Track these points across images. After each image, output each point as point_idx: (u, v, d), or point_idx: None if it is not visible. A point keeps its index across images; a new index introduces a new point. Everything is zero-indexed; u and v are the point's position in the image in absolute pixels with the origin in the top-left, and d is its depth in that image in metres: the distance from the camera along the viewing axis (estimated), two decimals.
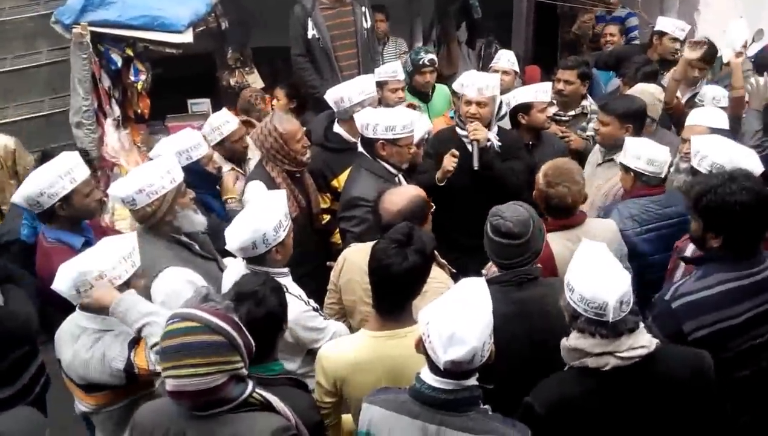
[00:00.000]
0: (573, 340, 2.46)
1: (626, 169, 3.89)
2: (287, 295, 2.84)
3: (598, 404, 2.44)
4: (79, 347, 2.85)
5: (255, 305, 2.56)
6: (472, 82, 4.45)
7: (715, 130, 4.08)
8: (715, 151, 3.48)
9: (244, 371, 2.26)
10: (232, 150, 4.70)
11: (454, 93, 5.34)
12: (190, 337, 2.14)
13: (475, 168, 4.30)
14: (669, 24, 6.30)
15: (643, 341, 2.42)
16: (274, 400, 2.30)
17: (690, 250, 3.24)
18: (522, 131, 4.84)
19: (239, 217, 3.16)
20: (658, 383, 2.44)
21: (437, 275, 3.22)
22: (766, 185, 2.93)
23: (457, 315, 2.22)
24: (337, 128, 4.62)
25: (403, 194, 3.40)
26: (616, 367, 2.38)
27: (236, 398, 2.22)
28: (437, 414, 2.27)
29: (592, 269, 2.41)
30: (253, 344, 2.30)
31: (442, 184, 4.34)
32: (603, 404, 2.44)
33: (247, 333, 2.27)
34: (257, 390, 2.27)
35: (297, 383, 2.75)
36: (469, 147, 4.37)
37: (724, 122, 4.26)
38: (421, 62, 5.63)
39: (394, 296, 2.73)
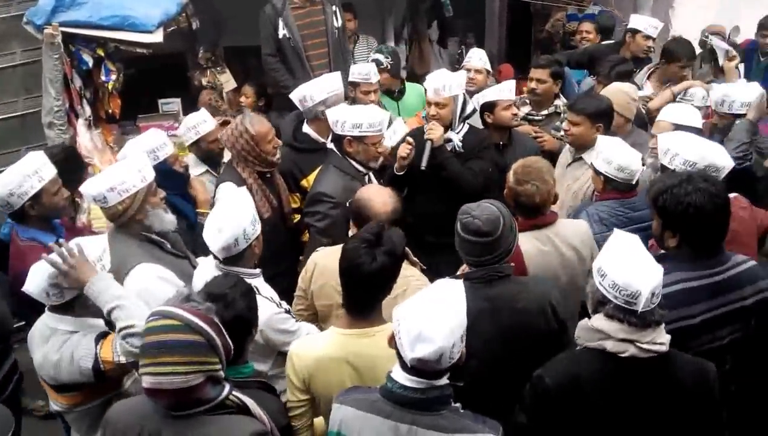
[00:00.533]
0: (598, 321, 2.46)
1: (596, 171, 3.87)
2: (258, 296, 2.85)
3: (607, 388, 2.45)
4: (48, 348, 2.86)
5: (224, 308, 2.53)
6: (430, 83, 4.47)
7: (679, 127, 4.11)
8: (686, 148, 3.51)
9: (222, 373, 2.26)
10: (207, 151, 4.69)
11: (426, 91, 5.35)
12: (170, 335, 2.14)
13: (422, 167, 4.30)
14: (642, 22, 6.36)
15: (663, 339, 2.44)
16: (250, 403, 2.30)
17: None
18: (492, 131, 4.82)
19: (213, 218, 3.16)
20: (667, 382, 2.47)
21: (415, 274, 3.26)
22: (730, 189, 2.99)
23: (428, 314, 2.23)
24: (306, 128, 4.62)
25: (387, 194, 3.42)
26: (633, 356, 2.40)
27: (212, 400, 2.21)
28: (409, 413, 2.28)
29: (627, 258, 2.42)
30: (231, 346, 2.30)
31: (400, 173, 4.37)
32: (612, 388, 2.45)
33: (226, 335, 2.27)
34: (234, 393, 2.27)
35: (266, 386, 2.76)
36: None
37: (693, 120, 4.26)
38: (379, 60, 5.68)
39: (363, 296, 2.74)
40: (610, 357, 2.42)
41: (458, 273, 3.19)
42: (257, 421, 2.29)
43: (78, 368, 2.80)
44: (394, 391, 2.30)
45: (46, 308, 2.92)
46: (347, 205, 3.54)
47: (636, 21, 6.38)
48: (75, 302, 2.89)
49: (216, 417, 2.22)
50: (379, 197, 3.37)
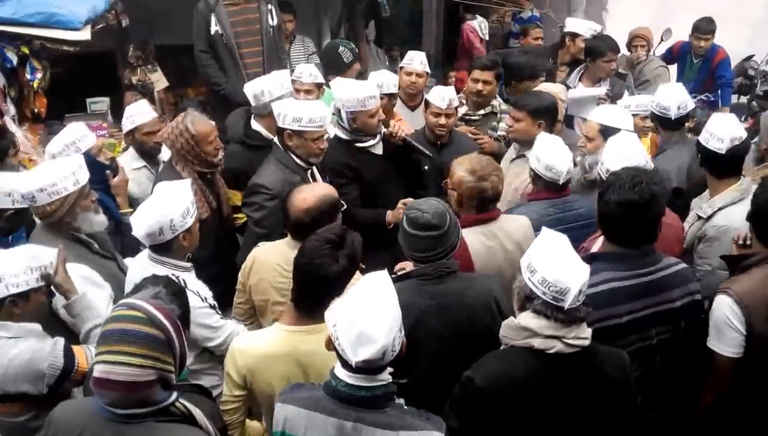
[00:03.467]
0: (525, 319, 2.50)
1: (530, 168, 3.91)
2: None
3: (536, 384, 2.50)
4: None
5: None
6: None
7: (607, 129, 4.15)
8: (609, 160, 3.60)
9: (173, 378, 2.22)
10: (141, 143, 4.60)
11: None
12: (131, 325, 2.12)
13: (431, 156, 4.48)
14: (581, 25, 6.52)
15: (586, 333, 2.49)
16: (197, 413, 2.26)
17: (596, 247, 3.25)
18: (429, 131, 4.79)
19: (145, 204, 3.17)
20: (591, 374, 2.53)
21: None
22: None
23: (364, 314, 2.21)
24: (255, 125, 4.58)
25: (314, 192, 3.40)
26: (559, 352, 2.44)
27: (158, 403, 2.16)
28: (353, 411, 2.28)
29: (556, 255, 2.47)
30: (187, 354, 2.28)
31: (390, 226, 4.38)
32: (541, 384, 2.50)
33: (184, 341, 2.25)
34: (180, 401, 2.22)
35: (203, 390, 2.73)
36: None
37: (622, 122, 4.25)
38: (348, 53, 5.74)
39: (318, 295, 2.71)
40: (538, 354, 2.47)
41: (397, 271, 3.21)
42: (202, 431, 2.25)
43: (35, 371, 2.74)
44: (339, 389, 2.29)
45: None
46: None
47: (574, 25, 6.55)
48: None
49: (161, 424, 2.17)
50: (301, 194, 3.37)
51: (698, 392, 3.13)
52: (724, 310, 3.00)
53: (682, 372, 3.04)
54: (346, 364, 2.26)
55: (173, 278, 2.80)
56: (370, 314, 2.21)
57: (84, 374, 2.76)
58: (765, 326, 2.97)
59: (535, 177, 3.84)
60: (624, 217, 2.88)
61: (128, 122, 4.59)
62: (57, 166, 3.41)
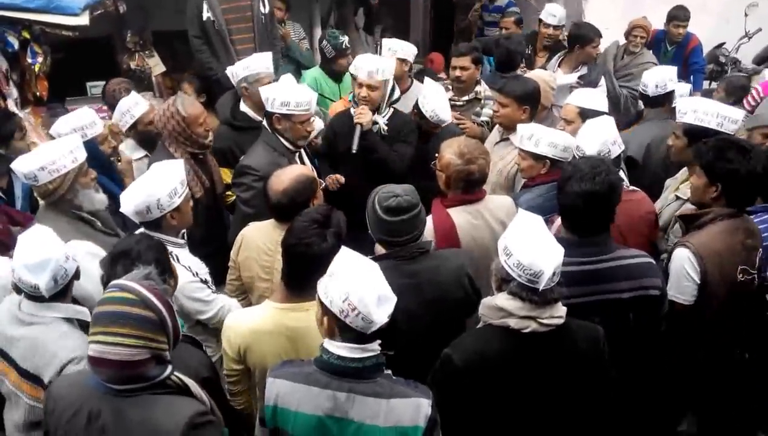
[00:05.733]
0: (501, 300, 2.56)
1: (537, 157, 3.85)
2: (176, 264, 2.93)
3: (512, 362, 2.57)
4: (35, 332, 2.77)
5: (130, 264, 2.58)
6: (363, 65, 4.52)
7: (586, 111, 4.28)
8: (585, 143, 3.71)
9: (167, 354, 2.26)
10: (145, 134, 4.64)
11: (352, 76, 5.41)
12: (124, 307, 2.16)
13: (353, 151, 4.42)
14: (544, 11, 6.68)
15: (560, 312, 2.56)
16: (191, 384, 2.30)
17: (554, 228, 3.24)
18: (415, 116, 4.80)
19: (135, 183, 3.26)
20: (565, 351, 2.61)
21: None
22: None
23: (369, 279, 2.27)
24: (244, 107, 4.69)
25: (289, 174, 3.45)
26: (534, 331, 2.52)
27: (154, 378, 2.21)
28: (346, 383, 2.31)
29: (531, 238, 2.51)
30: (180, 330, 2.32)
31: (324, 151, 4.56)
32: (517, 362, 2.57)
33: (176, 318, 2.28)
34: (175, 374, 2.27)
35: (191, 340, 2.82)
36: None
37: (598, 104, 4.39)
38: (343, 45, 5.75)
39: (307, 273, 2.71)
40: (513, 333, 2.54)
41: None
42: (197, 401, 2.30)
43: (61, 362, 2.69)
44: (331, 362, 2.32)
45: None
46: None
47: (543, 11, 6.71)
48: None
49: (157, 396, 2.22)
50: (278, 177, 3.42)
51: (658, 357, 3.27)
52: (683, 262, 3.19)
53: (627, 364, 3.08)
54: (345, 336, 2.30)
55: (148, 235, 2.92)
56: (372, 278, 2.28)
57: None
58: (715, 276, 3.19)
59: (552, 163, 3.83)
60: (584, 207, 2.96)
61: (128, 117, 4.61)
62: (55, 145, 3.52)
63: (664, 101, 4.82)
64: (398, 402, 2.31)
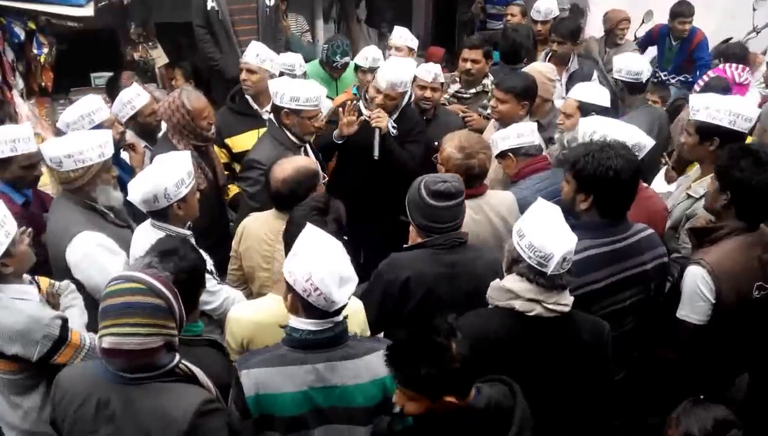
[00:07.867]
0: (509, 282, 2.59)
1: (502, 154, 3.96)
2: None
3: (513, 344, 2.58)
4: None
5: (179, 260, 2.60)
6: (389, 76, 4.50)
7: (585, 105, 4.25)
8: (614, 131, 3.52)
9: (176, 340, 2.29)
10: (144, 125, 4.61)
11: (356, 67, 5.49)
12: (134, 297, 2.18)
13: (375, 157, 4.40)
14: (533, 8, 6.68)
15: (567, 300, 2.58)
16: (198, 372, 2.35)
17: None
18: (416, 107, 4.88)
19: (143, 172, 3.29)
20: (568, 339, 2.62)
21: None
22: None
23: (331, 260, 2.32)
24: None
25: (291, 163, 3.46)
26: (538, 316, 2.54)
27: (163, 366, 2.24)
28: (322, 353, 2.39)
29: (546, 222, 2.53)
30: (185, 316, 2.35)
31: (339, 141, 4.52)
32: (518, 345, 2.58)
33: (181, 304, 2.30)
34: (183, 362, 2.31)
35: (214, 344, 2.83)
36: (365, 115, 4.55)
37: (600, 98, 4.35)
38: (334, 65, 5.89)
39: None
40: (518, 316, 2.56)
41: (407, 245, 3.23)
42: (204, 390, 2.34)
43: (30, 339, 2.79)
44: (304, 338, 2.38)
45: None
46: None
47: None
48: None
49: (165, 385, 2.25)
50: (281, 165, 3.44)
51: (659, 348, 3.27)
52: (697, 280, 3.05)
53: (648, 332, 3.16)
54: (312, 314, 2.36)
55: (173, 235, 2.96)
56: (332, 258, 2.33)
57: (76, 348, 2.86)
58: (730, 295, 3.04)
59: (513, 153, 3.92)
60: (615, 184, 2.92)
61: (129, 108, 4.56)
62: (86, 136, 3.53)
63: (644, 87, 5.04)
64: (371, 357, 2.42)
